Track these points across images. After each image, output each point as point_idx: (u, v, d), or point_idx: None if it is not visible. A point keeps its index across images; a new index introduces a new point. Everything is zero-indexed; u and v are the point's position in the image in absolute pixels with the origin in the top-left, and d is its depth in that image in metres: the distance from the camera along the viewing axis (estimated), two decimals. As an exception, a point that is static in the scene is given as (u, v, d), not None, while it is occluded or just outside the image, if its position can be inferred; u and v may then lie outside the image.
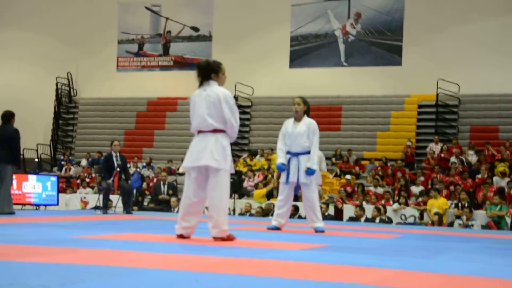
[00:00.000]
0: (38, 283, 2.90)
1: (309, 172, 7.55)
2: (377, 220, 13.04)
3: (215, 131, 5.56)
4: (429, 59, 20.38)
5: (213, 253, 4.55)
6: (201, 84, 5.68)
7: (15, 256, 3.94)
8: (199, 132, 5.62)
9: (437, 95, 19.75)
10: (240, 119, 21.35)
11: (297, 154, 7.65)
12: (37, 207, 13.62)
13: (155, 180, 17.86)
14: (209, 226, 5.58)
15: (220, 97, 5.54)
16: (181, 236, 5.67)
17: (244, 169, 18.32)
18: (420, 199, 14.70)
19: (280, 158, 7.76)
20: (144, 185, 17.12)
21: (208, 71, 5.66)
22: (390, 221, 13.35)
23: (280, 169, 7.79)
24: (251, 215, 14.39)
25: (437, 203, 13.76)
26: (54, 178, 14.22)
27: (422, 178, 16.28)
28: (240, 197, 16.14)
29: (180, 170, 18.24)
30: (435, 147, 18.24)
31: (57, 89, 23.75)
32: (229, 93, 5.66)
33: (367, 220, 13.17)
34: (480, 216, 13.39)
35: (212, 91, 5.58)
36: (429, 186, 15.49)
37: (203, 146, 5.53)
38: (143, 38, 23.95)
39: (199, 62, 5.75)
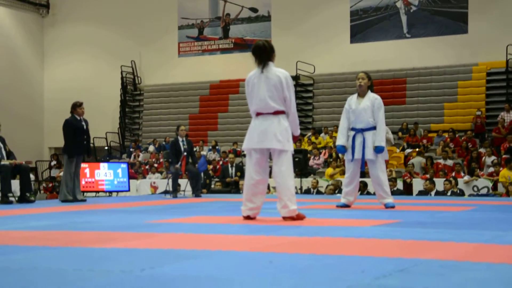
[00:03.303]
0: (118, 269, 2.98)
1: (378, 150, 7.43)
2: (449, 193, 12.75)
3: (276, 112, 5.56)
4: (497, 25, 19.63)
5: (284, 233, 4.56)
6: (258, 65, 5.66)
7: (93, 243, 4.06)
8: (259, 114, 5.62)
9: (507, 61, 19.02)
10: (303, 97, 21.23)
11: (361, 130, 7.50)
12: (110, 194, 14.03)
13: (221, 163, 18.04)
14: (278, 206, 5.61)
15: (281, 78, 5.55)
16: (248, 217, 5.71)
17: (309, 148, 18.25)
18: (492, 169, 14.27)
19: (339, 139, 7.65)
20: (210, 167, 17.30)
21: (269, 53, 5.64)
22: (462, 193, 13.03)
23: (340, 151, 7.72)
24: (318, 192, 14.38)
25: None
26: (124, 165, 14.60)
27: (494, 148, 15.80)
28: (306, 175, 16.11)
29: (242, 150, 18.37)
30: (506, 116, 17.63)
31: (122, 78, 24.28)
32: (288, 74, 5.66)
33: (437, 193, 12.89)
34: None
35: (272, 73, 5.58)
36: (504, 156, 15.01)
37: (264, 128, 5.54)
38: (202, 22, 24.10)
39: (257, 44, 5.72)
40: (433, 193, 12.92)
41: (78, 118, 10.05)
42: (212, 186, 16.36)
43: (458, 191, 12.97)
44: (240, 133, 20.81)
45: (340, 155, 15.78)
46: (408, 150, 17.32)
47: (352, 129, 7.60)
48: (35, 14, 26.22)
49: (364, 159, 7.50)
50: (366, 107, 7.48)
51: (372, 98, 7.54)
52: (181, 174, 11.97)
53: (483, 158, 15.32)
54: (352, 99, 7.65)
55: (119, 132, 24.09)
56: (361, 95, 7.59)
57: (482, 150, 15.90)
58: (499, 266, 3.01)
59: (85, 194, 13.44)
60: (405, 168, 15.44)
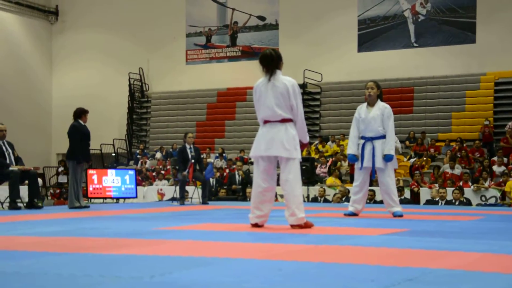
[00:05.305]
0: (128, 275, 3.00)
1: (387, 158, 7.43)
2: (456, 202, 12.73)
3: (284, 120, 5.57)
4: (505, 35, 19.61)
5: (292, 241, 4.56)
6: (266, 73, 5.67)
7: (102, 249, 4.08)
8: (266, 122, 5.64)
9: (515, 71, 19.03)
10: (310, 105, 21.22)
11: (371, 139, 7.53)
12: (117, 200, 14.06)
13: (227, 170, 18.06)
14: (286, 214, 5.62)
15: (288, 87, 5.57)
16: (255, 225, 5.72)
17: (316, 156, 18.25)
18: (501, 179, 14.23)
19: (350, 148, 7.67)
20: (217, 175, 17.32)
21: (276, 62, 5.66)
22: (469, 203, 13.01)
23: (351, 161, 7.74)
24: (325, 200, 14.37)
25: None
26: (132, 172, 14.63)
27: (505, 159, 15.75)
28: (313, 184, 16.10)
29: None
30: (514, 125, 17.58)
31: (130, 85, 24.36)
32: (295, 82, 5.68)
33: (446, 202, 12.86)
34: None
35: (279, 81, 5.60)
36: (510, 166, 14.99)
37: (272, 136, 5.56)
38: (210, 30, 24.19)
39: (264, 53, 5.74)
40: (443, 201, 12.91)
41: (83, 124, 10.10)
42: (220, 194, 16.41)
43: (465, 201, 12.94)
44: (247, 140, 20.83)
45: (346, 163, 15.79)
46: (412, 160, 17.29)
47: (362, 137, 7.62)
48: (44, 21, 26.37)
49: (374, 168, 7.51)
50: (375, 116, 7.50)
51: (382, 107, 7.56)
52: (189, 181, 11.99)
53: (493, 167, 15.30)
54: (362, 108, 7.67)
55: (126, 139, 24.15)
56: (371, 104, 7.61)
57: (495, 158, 15.86)
58: (507, 276, 3.01)
59: (92, 200, 13.49)
60: (429, 176, 15.29)
